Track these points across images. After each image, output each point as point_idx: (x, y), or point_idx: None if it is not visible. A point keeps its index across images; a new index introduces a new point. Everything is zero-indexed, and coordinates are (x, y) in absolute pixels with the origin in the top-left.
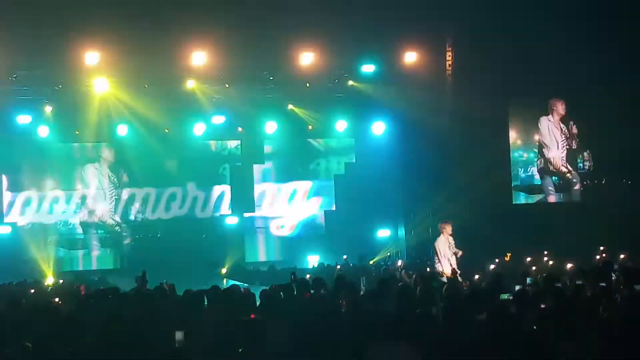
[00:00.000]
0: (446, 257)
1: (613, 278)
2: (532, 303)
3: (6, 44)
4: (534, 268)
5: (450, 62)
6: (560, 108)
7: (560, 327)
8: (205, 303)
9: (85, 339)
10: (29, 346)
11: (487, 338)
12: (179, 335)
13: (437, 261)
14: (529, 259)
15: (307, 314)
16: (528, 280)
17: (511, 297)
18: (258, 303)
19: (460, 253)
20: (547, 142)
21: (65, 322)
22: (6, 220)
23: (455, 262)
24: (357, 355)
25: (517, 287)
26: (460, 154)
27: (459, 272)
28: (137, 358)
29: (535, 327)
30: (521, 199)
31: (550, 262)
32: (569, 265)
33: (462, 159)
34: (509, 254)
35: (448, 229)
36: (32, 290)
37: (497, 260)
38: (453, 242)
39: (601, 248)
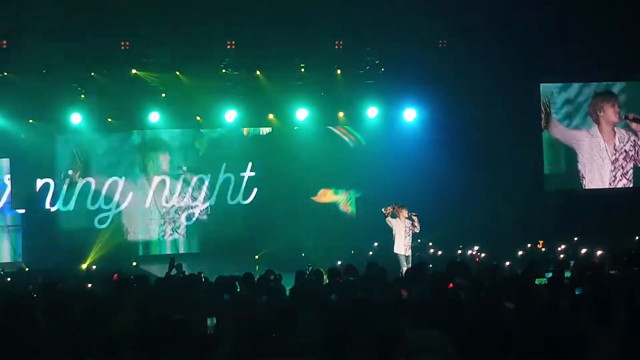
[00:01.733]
0: (401, 238)
1: None
2: (566, 288)
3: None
4: (561, 256)
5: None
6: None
7: (595, 313)
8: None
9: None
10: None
11: (521, 323)
12: (210, 321)
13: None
14: (563, 246)
15: (338, 299)
16: (570, 264)
17: (546, 283)
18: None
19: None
20: None
21: (98, 307)
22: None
23: (409, 242)
24: (390, 342)
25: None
26: (491, 140)
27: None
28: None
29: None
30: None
31: (584, 250)
32: (599, 252)
33: (493, 144)
34: (541, 241)
35: (404, 212)
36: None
37: (528, 246)
38: (409, 224)
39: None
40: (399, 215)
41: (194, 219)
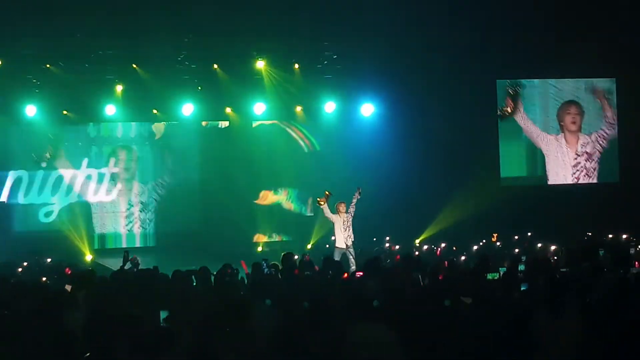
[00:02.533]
0: (340, 231)
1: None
2: (519, 283)
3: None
4: (516, 250)
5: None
6: None
7: (547, 307)
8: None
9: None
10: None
11: (474, 318)
12: (163, 314)
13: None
14: (515, 237)
15: (293, 293)
16: (522, 259)
17: (497, 277)
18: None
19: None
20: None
21: (50, 301)
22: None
23: (348, 233)
24: (337, 336)
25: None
26: (447, 134)
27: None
28: (120, 338)
29: (522, 307)
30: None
31: (539, 245)
32: (553, 247)
33: (449, 139)
34: (495, 235)
35: (341, 207)
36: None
37: (483, 241)
38: (347, 217)
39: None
40: (338, 210)
41: (148, 212)
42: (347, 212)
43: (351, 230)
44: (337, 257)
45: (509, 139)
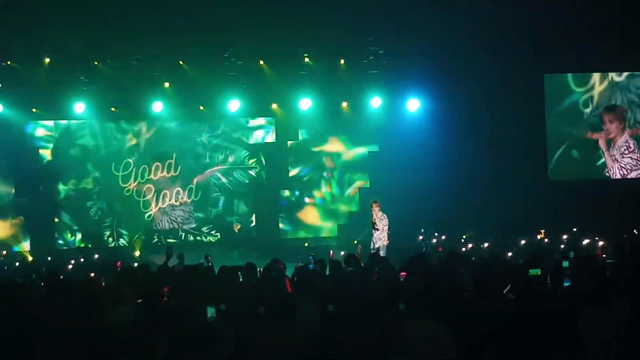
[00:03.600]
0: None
1: None
2: (563, 279)
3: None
4: (562, 246)
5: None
6: None
7: (593, 302)
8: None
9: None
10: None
11: (518, 313)
12: (210, 310)
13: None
14: (564, 236)
15: (338, 290)
16: (570, 255)
17: (540, 274)
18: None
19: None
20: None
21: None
22: None
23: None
24: (388, 333)
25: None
26: (496, 129)
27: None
28: (167, 331)
29: (567, 302)
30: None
31: (586, 240)
32: (601, 243)
33: (496, 134)
34: (542, 231)
35: (375, 208)
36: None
37: (535, 235)
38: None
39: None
40: (374, 211)
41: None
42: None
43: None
44: (382, 254)
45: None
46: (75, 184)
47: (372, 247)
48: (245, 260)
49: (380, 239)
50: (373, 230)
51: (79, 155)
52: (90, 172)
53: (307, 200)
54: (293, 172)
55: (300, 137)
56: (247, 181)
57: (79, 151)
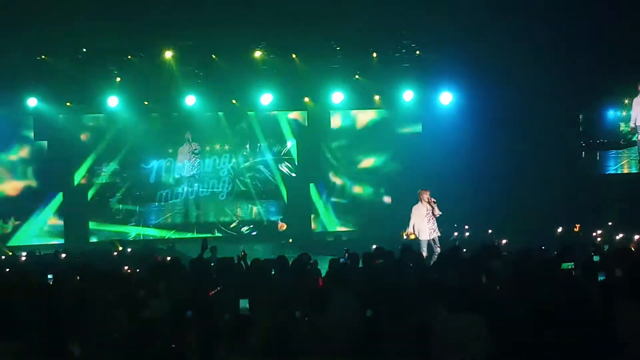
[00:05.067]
0: (422, 223)
1: None
2: (596, 272)
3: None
4: (599, 239)
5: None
6: None
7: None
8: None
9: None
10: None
11: (550, 307)
12: (243, 303)
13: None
14: (599, 231)
15: (372, 283)
16: (605, 249)
17: (571, 267)
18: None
19: (437, 213)
20: None
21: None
22: None
23: (433, 226)
24: (425, 327)
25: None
26: (530, 124)
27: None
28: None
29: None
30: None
31: (620, 235)
32: (637, 237)
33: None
34: (578, 225)
35: (425, 196)
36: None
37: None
38: (431, 207)
39: None
40: (422, 197)
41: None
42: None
43: (436, 223)
44: (424, 249)
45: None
46: (107, 174)
47: (430, 237)
48: (277, 254)
49: (435, 229)
50: (430, 219)
51: (114, 145)
52: (123, 163)
53: (336, 195)
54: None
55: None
56: (279, 175)
57: (114, 142)
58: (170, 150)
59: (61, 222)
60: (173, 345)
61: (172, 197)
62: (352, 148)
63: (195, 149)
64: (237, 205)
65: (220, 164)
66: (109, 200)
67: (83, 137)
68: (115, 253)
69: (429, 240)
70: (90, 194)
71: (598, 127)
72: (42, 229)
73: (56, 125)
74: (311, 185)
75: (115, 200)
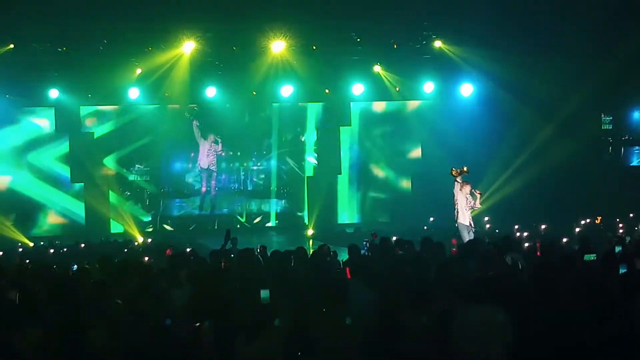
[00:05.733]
0: (464, 209)
1: None
2: (618, 265)
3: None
4: (621, 231)
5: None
6: None
7: None
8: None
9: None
10: (119, 303)
11: (573, 299)
12: (263, 293)
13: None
14: (620, 225)
15: (392, 274)
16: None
17: (594, 259)
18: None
19: (477, 206)
20: None
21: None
22: None
23: (470, 215)
24: (445, 317)
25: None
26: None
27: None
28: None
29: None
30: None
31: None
32: None
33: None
34: (599, 217)
35: (467, 187)
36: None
37: (586, 221)
38: (471, 199)
39: None
40: (463, 188)
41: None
42: (471, 194)
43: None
44: (464, 234)
45: None
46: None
47: (471, 224)
48: (296, 246)
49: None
50: (468, 208)
51: (133, 138)
52: (144, 155)
53: (358, 185)
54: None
55: (352, 123)
56: (299, 167)
57: (134, 134)
58: (192, 154)
59: (82, 213)
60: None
61: (193, 194)
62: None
63: (219, 151)
64: (255, 198)
65: (239, 160)
66: (128, 194)
67: (104, 128)
68: (135, 243)
69: (469, 227)
70: (111, 186)
71: (624, 125)
72: (62, 220)
73: (77, 117)
74: (339, 176)
75: (135, 193)
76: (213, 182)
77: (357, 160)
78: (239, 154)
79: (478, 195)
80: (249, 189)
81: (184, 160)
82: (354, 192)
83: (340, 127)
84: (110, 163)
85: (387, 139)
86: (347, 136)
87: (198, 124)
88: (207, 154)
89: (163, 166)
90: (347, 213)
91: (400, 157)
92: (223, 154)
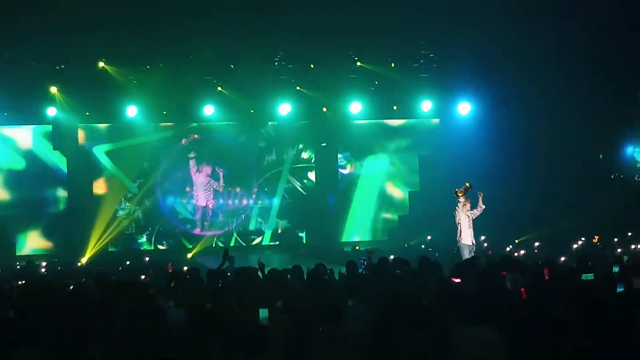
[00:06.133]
0: (467, 228)
1: None
2: (615, 283)
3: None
4: (619, 250)
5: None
6: None
7: None
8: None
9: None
10: (118, 320)
11: (570, 318)
12: (262, 313)
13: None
14: (615, 239)
15: (389, 293)
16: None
17: (593, 278)
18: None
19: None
20: None
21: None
22: None
23: (472, 232)
24: (441, 337)
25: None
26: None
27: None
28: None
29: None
30: None
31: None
32: None
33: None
34: (596, 236)
35: (467, 204)
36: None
37: (582, 240)
38: (471, 215)
39: None
40: (465, 206)
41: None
42: (470, 210)
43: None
44: (465, 253)
45: None
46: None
47: (472, 243)
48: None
49: (473, 236)
50: (471, 225)
51: (131, 157)
52: (140, 175)
53: (357, 203)
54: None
55: (350, 141)
56: (298, 185)
57: (131, 153)
58: (187, 188)
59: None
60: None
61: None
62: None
63: (218, 187)
64: (255, 217)
65: (239, 198)
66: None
67: (101, 147)
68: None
69: (471, 246)
70: (106, 205)
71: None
72: (60, 238)
73: (75, 135)
74: (336, 195)
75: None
76: (207, 221)
77: (354, 178)
78: (238, 190)
79: (480, 197)
80: (249, 229)
81: (177, 195)
82: (352, 211)
83: (338, 146)
84: (104, 183)
85: (388, 156)
86: (346, 154)
87: (195, 155)
88: (204, 189)
89: (156, 203)
90: (345, 231)
91: (399, 174)
92: (222, 190)
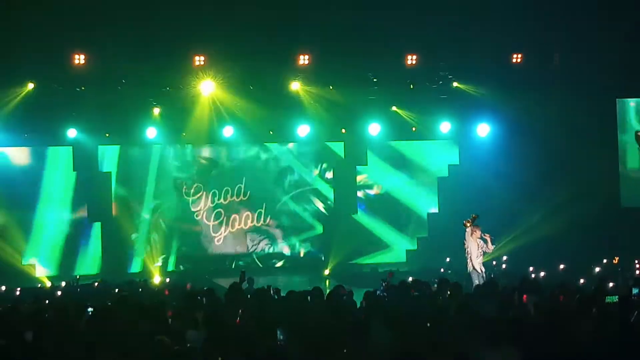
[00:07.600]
0: (477, 256)
1: None
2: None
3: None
4: (638, 272)
5: (557, 63)
6: None
7: None
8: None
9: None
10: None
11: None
12: (280, 334)
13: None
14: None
15: (410, 314)
16: None
17: (617, 300)
18: (359, 304)
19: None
20: None
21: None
22: None
23: (481, 260)
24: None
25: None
26: (566, 155)
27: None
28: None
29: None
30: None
31: None
32: None
33: (568, 160)
34: (617, 258)
35: (477, 232)
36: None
37: (604, 261)
38: (482, 243)
39: None
40: (473, 233)
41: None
42: (481, 238)
43: (482, 256)
44: (475, 280)
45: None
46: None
47: (482, 270)
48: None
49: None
50: (481, 254)
51: (148, 178)
52: (159, 196)
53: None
54: (361, 196)
55: (369, 162)
56: (317, 206)
57: (149, 175)
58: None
59: (98, 253)
60: None
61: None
62: None
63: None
64: (272, 239)
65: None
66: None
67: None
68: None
69: (479, 274)
70: (128, 225)
71: None
72: (79, 259)
73: (95, 156)
74: (354, 216)
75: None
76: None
77: (373, 199)
78: (256, 193)
79: (488, 239)
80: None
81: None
82: (372, 232)
83: (357, 166)
84: (126, 203)
85: (404, 178)
86: (365, 175)
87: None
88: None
89: (182, 205)
90: (365, 253)
91: (417, 196)
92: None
